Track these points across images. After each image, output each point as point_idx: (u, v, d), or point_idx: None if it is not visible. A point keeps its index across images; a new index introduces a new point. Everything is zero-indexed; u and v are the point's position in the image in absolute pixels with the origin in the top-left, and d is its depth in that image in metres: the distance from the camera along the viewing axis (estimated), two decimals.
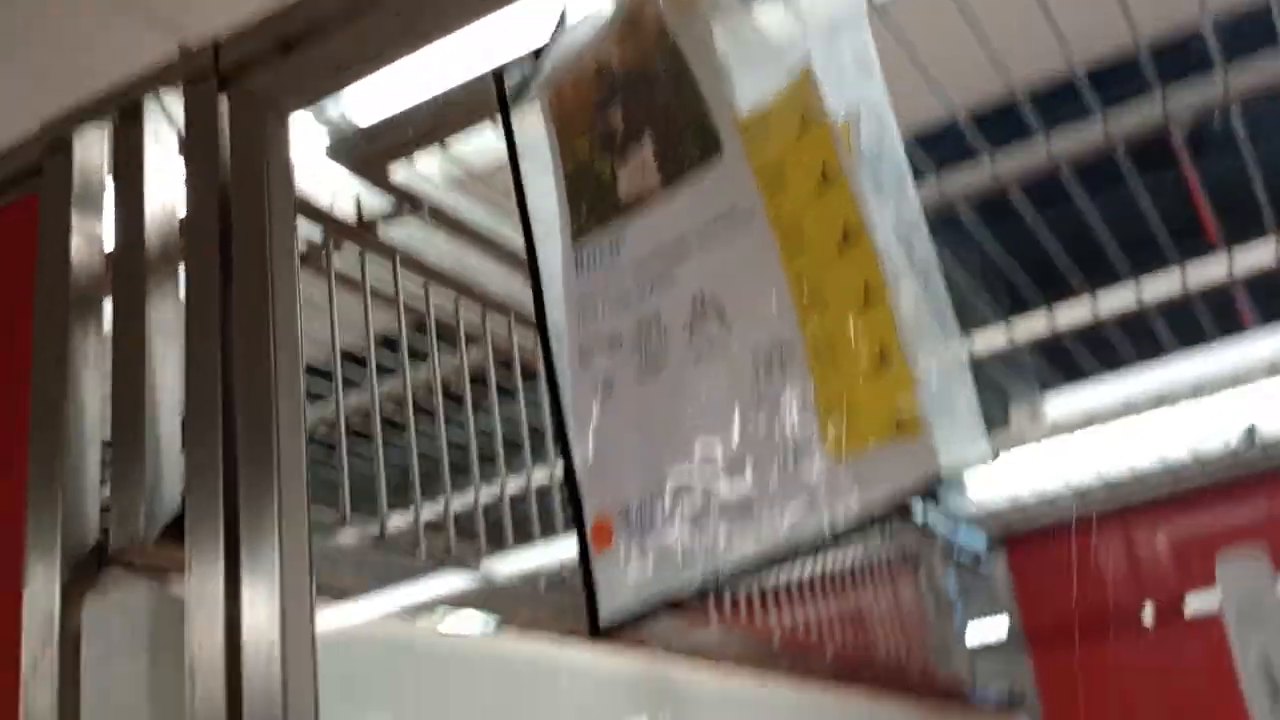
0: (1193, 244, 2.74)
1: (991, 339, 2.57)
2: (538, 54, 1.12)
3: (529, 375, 2.17)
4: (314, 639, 1.13)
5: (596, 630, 0.87)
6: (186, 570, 1.14)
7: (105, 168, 1.37)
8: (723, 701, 2.04)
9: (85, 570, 1.18)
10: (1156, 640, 3.60)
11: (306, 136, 1.52)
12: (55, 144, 1.36)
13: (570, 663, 1.67)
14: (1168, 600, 3.62)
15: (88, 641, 1.16)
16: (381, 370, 2.24)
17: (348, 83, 1.30)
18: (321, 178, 1.53)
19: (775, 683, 2.25)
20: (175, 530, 1.19)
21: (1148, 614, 3.61)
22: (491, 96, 1.16)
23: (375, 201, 1.62)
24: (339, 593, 1.53)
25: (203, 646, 1.10)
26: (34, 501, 1.20)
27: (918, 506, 3.14)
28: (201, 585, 1.13)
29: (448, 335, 2.01)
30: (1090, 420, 3.18)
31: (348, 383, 2.22)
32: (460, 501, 2.03)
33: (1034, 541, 3.62)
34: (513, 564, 1.98)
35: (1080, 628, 3.59)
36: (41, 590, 1.18)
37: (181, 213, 1.32)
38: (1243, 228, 2.79)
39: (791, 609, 2.49)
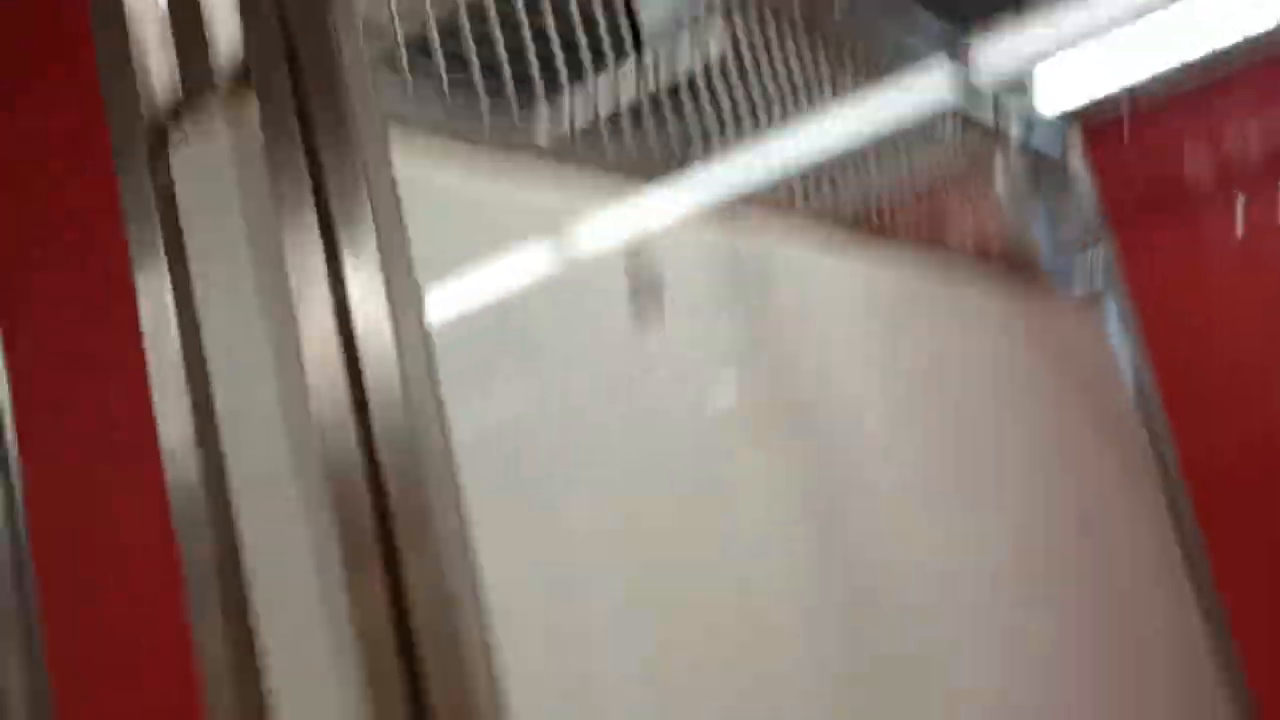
0: None
1: None
2: None
3: None
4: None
5: (638, 40, 0.90)
6: (256, 111, 1.20)
7: None
8: (813, 269, 2.11)
9: (165, 124, 1.24)
10: (1246, 228, 3.57)
11: None
12: None
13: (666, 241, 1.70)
14: (1257, 188, 3.56)
15: (180, 187, 1.23)
16: None
17: None
18: None
19: (857, 256, 2.32)
20: (243, 81, 1.24)
21: (1237, 202, 3.56)
22: None
23: None
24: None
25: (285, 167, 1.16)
26: (103, 66, 1.26)
27: (990, 104, 3.09)
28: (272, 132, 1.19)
29: None
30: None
31: None
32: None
33: (1113, 132, 3.56)
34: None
35: (1164, 218, 3.58)
36: (128, 148, 1.24)
37: None
38: None
39: (871, 202, 2.52)
